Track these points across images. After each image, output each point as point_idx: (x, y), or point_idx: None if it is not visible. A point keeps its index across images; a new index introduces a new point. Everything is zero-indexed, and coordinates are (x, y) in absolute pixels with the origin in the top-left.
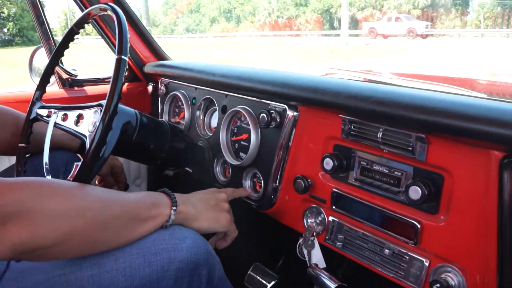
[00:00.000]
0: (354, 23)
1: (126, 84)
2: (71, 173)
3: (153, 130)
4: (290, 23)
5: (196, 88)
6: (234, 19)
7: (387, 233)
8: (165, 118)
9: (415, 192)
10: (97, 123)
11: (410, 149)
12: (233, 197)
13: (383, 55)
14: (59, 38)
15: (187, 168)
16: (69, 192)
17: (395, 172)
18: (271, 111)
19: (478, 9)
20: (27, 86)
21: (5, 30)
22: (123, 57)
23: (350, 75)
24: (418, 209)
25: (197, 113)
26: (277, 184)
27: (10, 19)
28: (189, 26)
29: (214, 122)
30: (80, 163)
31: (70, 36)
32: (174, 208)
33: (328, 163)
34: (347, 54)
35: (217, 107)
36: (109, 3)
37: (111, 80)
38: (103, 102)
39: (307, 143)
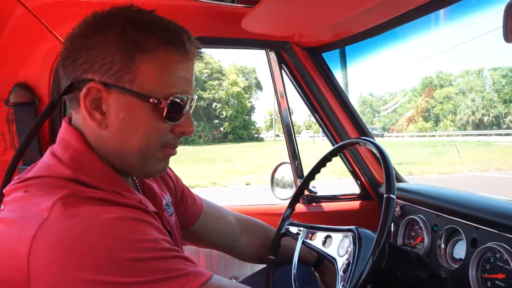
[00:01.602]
0: None
1: (359, 202)
2: None
3: (400, 259)
4: (498, 121)
5: (438, 215)
6: (433, 118)
7: None
8: (399, 241)
9: None
10: (349, 249)
11: None
12: None
13: None
14: (262, 135)
15: None
16: None
17: None
18: None
19: None
20: (234, 179)
21: (221, 129)
22: (391, 196)
23: None
24: None
25: (438, 241)
26: None
27: (226, 119)
28: (385, 125)
29: (457, 253)
30: None
31: (323, 162)
32: None
33: None
34: None
35: (464, 239)
36: (371, 139)
37: (381, 217)
38: (353, 227)
39: None
